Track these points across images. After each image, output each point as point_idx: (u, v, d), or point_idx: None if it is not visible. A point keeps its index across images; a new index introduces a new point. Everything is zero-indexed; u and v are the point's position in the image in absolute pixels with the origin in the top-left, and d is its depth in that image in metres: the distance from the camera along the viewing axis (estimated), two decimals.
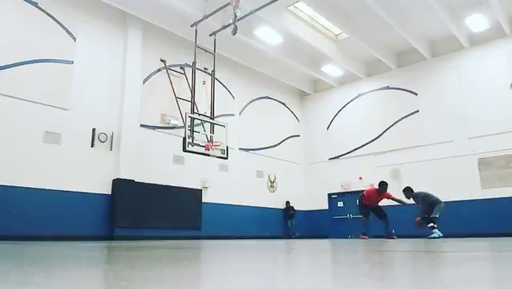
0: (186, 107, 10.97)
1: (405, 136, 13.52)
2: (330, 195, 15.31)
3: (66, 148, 9.14)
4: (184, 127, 9.74)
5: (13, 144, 8.30)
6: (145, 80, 11.16)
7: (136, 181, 10.13)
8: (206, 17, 10.19)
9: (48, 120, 8.95)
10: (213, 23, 10.51)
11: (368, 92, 14.88)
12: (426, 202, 9.67)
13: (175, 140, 10.55)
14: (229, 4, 9.01)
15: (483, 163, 11.80)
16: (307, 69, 14.31)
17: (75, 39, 9.78)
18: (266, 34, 11.84)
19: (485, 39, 12.25)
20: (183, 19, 10.62)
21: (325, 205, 15.27)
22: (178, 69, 11.98)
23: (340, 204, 15.10)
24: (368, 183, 14.17)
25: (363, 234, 10.30)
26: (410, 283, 1.41)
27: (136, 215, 9.81)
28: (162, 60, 11.60)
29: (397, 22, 11.38)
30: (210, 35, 10.79)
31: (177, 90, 11.58)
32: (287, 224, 14.58)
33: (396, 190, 13.32)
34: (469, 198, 11.68)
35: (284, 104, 15.98)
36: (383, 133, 14.13)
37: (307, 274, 1.85)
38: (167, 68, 11.67)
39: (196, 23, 10.42)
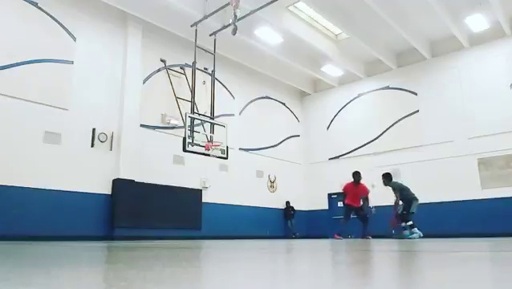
0: (186, 107, 10.97)
1: (405, 136, 13.52)
2: (330, 195, 15.30)
3: (66, 148, 9.14)
4: (184, 127, 9.74)
5: (13, 144, 8.31)
6: (145, 80, 11.16)
7: (136, 181, 10.14)
8: (206, 17, 10.19)
9: (48, 120, 8.95)
10: (213, 23, 10.52)
11: (368, 92, 14.89)
12: (403, 196, 9.19)
13: (175, 140, 10.55)
14: (229, 4, 9.02)
15: (483, 163, 11.81)
16: (307, 69, 14.31)
17: (75, 39, 9.78)
18: (266, 34, 11.84)
19: (485, 39, 12.25)
20: (183, 19, 10.62)
21: (325, 205, 15.27)
22: (178, 69, 11.98)
23: (340, 204, 15.06)
24: (369, 183, 14.18)
25: (339, 234, 10.11)
26: (409, 283, 1.41)
27: (136, 215, 9.81)
28: (162, 60, 11.61)
29: (397, 22, 11.38)
30: (210, 35, 10.79)
31: (177, 90, 11.58)
32: (287, 224, 14.58)
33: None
34: (469, 198, 11.69)
35: (284, 104, 15.98)
36: (383, 133, 14.14)
37: (307, 274, 1.85)
38: (167, 68, 11.67)
39: (196, 23, 10.42)
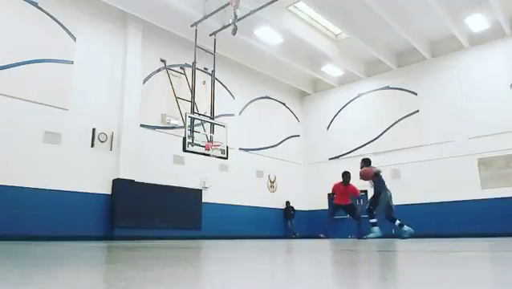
0: (186, 107, 10.97)
1: (405, 136, 13.52)
2: (330, 195, 15.28)
3: (66, 148, 9.14)
4: (184, 127, 9.74)
5: (13, 144, 8.31)
6: (145, 80, 11.16)
7: (136, 181, 10.13)
8: (206, 17, 10.19)
9: (48, 120, 8.95)
10: (213, 23, 10.51)
11: (368, 92, 14.88)
12: (378, 187, 8.56)
13: (175, 140, 10.55)
14: (229, 4, 9.02)
15: (483, 163, 11.80)
16: (307, 69, 14.31)
17: (75, 39, 9.78)
18: (266, 34, 11.84)
19: (485, 39, 12.25)
20: (183, 19, 10.62)
21: (325, 205, 15.25)
22: (178, 69, 11.98)
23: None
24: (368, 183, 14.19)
25: (323, 233, 9.92)
26: (410, 283, 1.41)
27: (136, 215, 9.81)
28: (162, 60, 11.61)
29: (397, 22, 11.38)
30: (210, 35, 10.79)
31: (177, 90, 11.58)
32: (287, 224, 14.58)
33: (395, 190, 13.36)
34: (469, 198, 11.69)
35: (284, 104, 15.98)
36: (383, 133, 14.13)
37: (307, 274, 1.85)
38: (167, 68, 11.67)
39: (196, 23, 10.42)
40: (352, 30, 11.99)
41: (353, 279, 1.53)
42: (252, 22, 10.80)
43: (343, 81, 15.53)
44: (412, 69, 13.79)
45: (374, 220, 8.53)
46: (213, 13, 10.05)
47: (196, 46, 10.56)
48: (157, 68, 11.51)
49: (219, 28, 10.60)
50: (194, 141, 9.53)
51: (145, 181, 10.38)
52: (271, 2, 9.59)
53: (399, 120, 13.81)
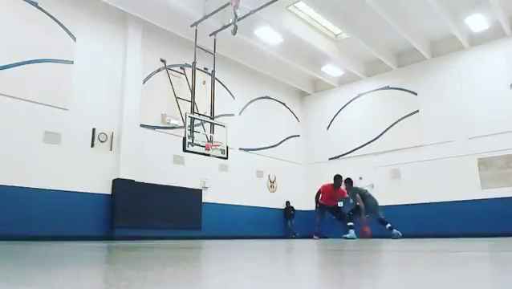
0: (186, 107, 10.97)
1: (405, 136, 13.52)
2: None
3: (66, 148, 9.14)
4: (184, 127, 9.74)
5: (13, 144, 8.31)
6: (145, 80, 11.16)
7: (136, 181, 10.14)
8: (206, 17, 10.19)
9: (48, 120, 8.95)
10: (213, 23, 10.51)
11: (368, 92, 14.88)
12: (356, 201, 9.63)
13: (175, 140, 10.55)
14: (229, 4, 9.02)
15: (483, 163, 11.80)
16: (307, 69, 14.31)
17: (75, 39, 9.78)
18: (266, 34, 11.84)
19: (485, 39, 12.25)
20: (183, 19, 10.62)
21: None
22: (178, 69, 11.98)
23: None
24: (369, 183, 14.19)
25: (316, 234, 10.18)
26: (410, 283, 1.41)
27: (136, 215, 9.81)
28: (162, 60, 11.61)
29: (397, 22, 11.38)
30: (210, 35, 10.79)
31: (177, 90, 11.58)
32: (287, 224, 14.58)
33: (395, 190, 13.39)
34: (469, 198, 11.68)
35: (284, 104, 15.98)
36: (383, 133, 14.13)
37: (307, 273, 1.85)
38: (167, 68, 11.67)
39: (196, 23, 10.42)
40: (352, 30, 11.99)
41: (353, 279, 1.53)
42: (252, 22, 10.80)
43: (343, 81, 15.53)
44: (412, 69, 13.79)
45: (351, 223, 9.50)
46: (213, 13, 10.05)
47: (196, 46, 10.56)
48: (157, 68, 11.51)
49: (219, 28, 10.60)
50: (194, 141, 9.53)
51: (145, 181, 10.39)
52: (271, 2, 9.59)
53: (399, 120, 13.81)
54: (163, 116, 11.32)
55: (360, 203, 9.50)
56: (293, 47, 13.10)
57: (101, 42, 10.39)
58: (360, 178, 14.39)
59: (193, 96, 10.60)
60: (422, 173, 12.82)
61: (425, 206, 12.44)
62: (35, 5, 9.15)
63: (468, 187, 11.81)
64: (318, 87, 16.42)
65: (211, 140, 10.00)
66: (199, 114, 10.51)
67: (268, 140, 14.78)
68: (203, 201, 11.78)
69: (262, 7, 9.70)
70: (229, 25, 9.19)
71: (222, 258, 3.01)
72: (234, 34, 8.96)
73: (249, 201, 13.35)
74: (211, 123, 10.38)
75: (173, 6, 10.15)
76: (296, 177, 15.76)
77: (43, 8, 9.27)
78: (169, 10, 10.43)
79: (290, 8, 11.57)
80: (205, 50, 10.94)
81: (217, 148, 9.96)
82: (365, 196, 9.69)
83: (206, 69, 11.85)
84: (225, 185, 12.58)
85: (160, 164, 10.94)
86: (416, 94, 13.62)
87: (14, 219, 7.90)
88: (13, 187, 8.10)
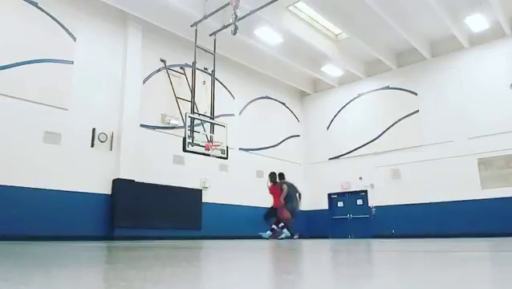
0: (186, 107, 10.97)
1: (405, 136, 13.52)
2: (330, 195, 15.31)
3: (66, 148, 9.14)
4: (184, 127, 9.74)
5: (13, 144, 8.30)
6: (145, 80, 11.16)
7: (136, 181, 10.13)
8: (206, 17, 10.19)
9: (48, 120, 8.95)
10: (213, 23, 10.51)
11: (368, 92, 14.88)
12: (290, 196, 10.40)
13: (175, 140, 10.55)
14: (229, 4, 9.02)
15: (483, 163, 11.80)
16: (307, 69, 14.30)
17: (75, 39, 9.78)
18: (266, 34, 11.83)
19: (485, 39, 12.25)
20: (183, 19, 10.62)
21: (325, 205, 15.28)
22: (178, 69, 11.97)
23: (340, 204, 15.11)
24: (369, 183, 14.21)
25: (293, 234, 10.51)
26: (410, 283, 1.41)
27: (136, 215, 9.81)
28: (162, 60, 11.60)
29: (397, 22, 11.38)
30: (210, 35, 10.79)
31: (177, 90, 11.58)
32: None
33: (395, 190, 13.39)
34: (469, 198, 11.69)
35: (284, 104, 15.98)
36: (383, 133, 14.13)
37: (307, 273, 1.85)
38: (167, 68, 11.67)
39: (196, 23, 10.42)
40: (352, 30, 11.99)
41: (354, 279, 1.53)
42: (252, 22, 10.80)
43: (343, 81, 15.53)
44: (412, 69, 13.79)
45: (282, 224, 10.35)
46: (213, 13, 10.05)
47: (196, 46, 10.56)
48: (157, 68, 11.51)
49: (219, 28, 10.60)
50: (194, 141, 9.53)
51: (145, 181, 10.38)
52: (271, 2, 9.59)
53: (399, 120, 13.81)
54: (163, 116, 11.32)
55: (284, 192, 10.44)
56: (293, 47, 13.10)
57: (101, 42, 10.38)
58: (360, 178, 14.42)
59: (192, 96, 10.60)
60: (422, 173, 12.82)
61: (425, 206, 12.45)
62: (35, 5, 9.15)
63: (468, 187, 11.81)
64: (318, 87, 16.42)
65: (211, 140, 10.00)
66: (199, 114, 10.51)
67: (268, 140, 14.77)
68: (203, 201, 11.78)
69: (262, 7, 9.70)
70: (229, 25, 9.19)
71: (222, 258, 3.01)
72: (234, 34, 8.96)
73: (250, 201, 13.34)
74: (211, 123, 10.38)
75: (173, 6, 10.15)
76: (296, 177, 15.71)
77: (43, 8, 9.26)
78: (169, 10, 10.43)
79: (290, 8, 11.57)
80: (205, 50, 10.93)
81: (217, 148, 9.96)
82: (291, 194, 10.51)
83: (206, 69, 11.85)
84: (225, 185, 12.58)
85: (160, 164, 10.94)
86: (416, 94, 13.62)
87: (14, 219, 7.89)
88: (13, 187, 8.09)
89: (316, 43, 12.65)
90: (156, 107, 11.25)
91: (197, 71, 10.88)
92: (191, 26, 10.49)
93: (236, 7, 8.62)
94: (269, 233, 10.26)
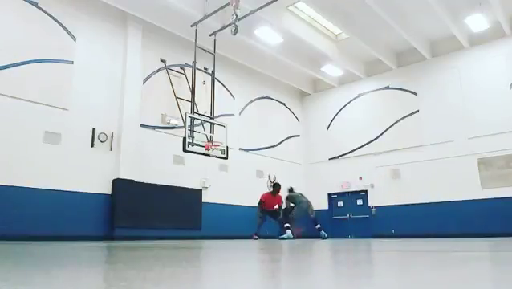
0: (186, 107, 10.97)
1: (405, 136, 13.52)
2: (330, 195, 15.31)
3: (66, 148, 9.14)
4: (184, 127, 9.74)
5: (13, 144, 8.30)
6: (145, 80, 11.16)
7: (136, 181, 10.13)
8: (206, 17, 10.19)
9: (48, 120, 8.95)
10: (213, 23, 10.51)
11: (368, 92, 14.88)
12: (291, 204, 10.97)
13: (175, 140, 10.55)
14: (229, 4, 9.02)
15: (483, 163, 11.80)
16: (307, 69, 14.30)
17: (75, 39, 9.78)
18: (266, 34, 11.83)
19: (485, 39, 12.24)
20: (183, 19, 10.62)
21: (325, 205, 15.27)
22: (178, 69, 11.97)
23: (340, 204, 15.11)
24: (369, 183, 14.21)
25: (256, 234, 10.87)
26: (410, 283, 1.41)
27: (136, 215, 9.81)
28: (162, 60, 11.60)
29: (397, 22, 11.38)
30: (210, 35, 10.79)
31: (177, 90, 11.58)
32: None
33: (395, 190, 13.39)
34: (469, 198, 11.69)
35: (284, 104, 15.98)
36: (383, 133, 14.14)
37: (307, 273, 1.85)
38: (167, 68, 11.67)
39: (196, 23, 10.42)
40: (352, 30, 11.99)
41: (354, 278, 1.53)
42: (252, 22, 10.80)
43: (343, 81, 15.53)
44: (412, 69, 13.79)
45: (287, 224, 10.50)
46: (213, 13, 10.05)
47: (196, 46, 10.56)
48: (157, 68, 11.51)
49: (219, 28, 10.60)
50: (194, 141, 9.53)
51: (145, 181, 10.38)
52: (271, 2, 9.59)
53: (399, 120, 13.81)
54: (163, 116, 11.32)
55: (283, 205, 10.93)
56: (293, 47, 13.10)
57: (101, 42, 10.38)
58: (360, 178, 14.42)
59: (192, 96, 10.60)
60: (422, 173, 12.82)
61: (425, 206, 12.45)
62: (35, 5, 9.15)
63: (468, 187, 11.81)
64: (318, 87, 16.42)
65: (211, 140, 10.00)
66: (199, 114, 10.51)
67: (268, 140, 14.77)
68: (203, 201, 11.78)
69: (262, 7, 9.70)
70: (229, 25, 9.19)
71: (222, 258, 3.02)
72: (235, 34, 8.97)
73: (250, 201, 13.31)
74: (211, 123, 10.38)
75: (173, 6, 10.15)
76: (296, 177, 15.74)
77: (43, 8, 9.26)
78: (169, 10, 10.43)
79: (290, 8, 11.57)
80: (205, 50, 10.93)
81: (217, 148, 9.97)
82: (297, 201, 10.81)
83: (206, 69, 11.85)
84: (225, 185, 12.57)
85: (160, 164, 10.94)
86: (416, 94, 13.62)
87: (14, 219, 7.89)
88: (13, 187, 8.09)
89: (316, 43, 12.65)
90: (156, 107, 11.25)
91: (197, 71, 10.88)
92: (191, 26, 10.49)
93: (236, 7, 8.63)
94: (288, 232, 10.41)
